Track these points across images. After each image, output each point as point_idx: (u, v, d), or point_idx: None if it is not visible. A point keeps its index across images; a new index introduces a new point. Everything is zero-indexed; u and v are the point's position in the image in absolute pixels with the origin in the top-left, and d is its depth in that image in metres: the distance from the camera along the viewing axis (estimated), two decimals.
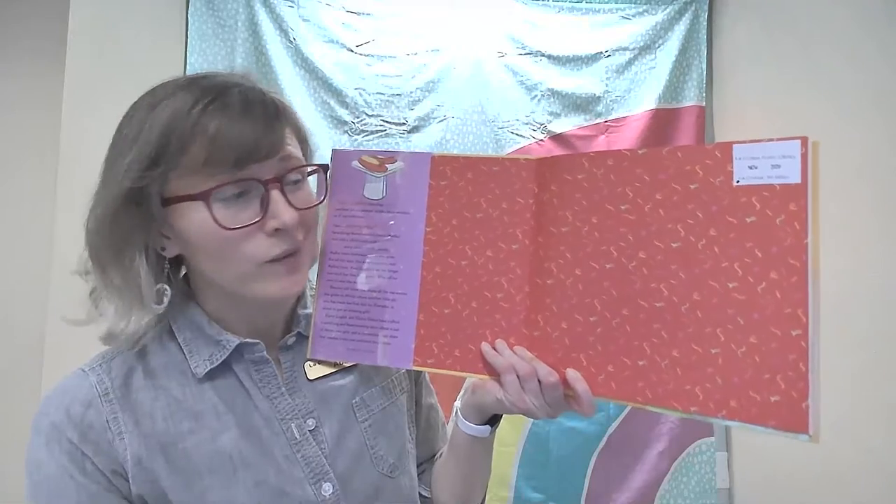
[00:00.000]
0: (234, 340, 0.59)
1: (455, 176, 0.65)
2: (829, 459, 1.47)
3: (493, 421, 0.68)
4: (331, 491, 0.60)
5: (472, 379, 0.66)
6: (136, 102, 0.56)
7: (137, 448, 0.55)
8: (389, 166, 0.66)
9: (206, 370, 0.59)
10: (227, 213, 0.53)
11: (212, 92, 0.54)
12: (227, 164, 0.53)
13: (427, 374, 0.78)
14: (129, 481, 0.55)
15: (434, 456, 0.80)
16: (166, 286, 0.56)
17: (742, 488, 1.90)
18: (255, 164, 0.54)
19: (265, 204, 0.55)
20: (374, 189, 0.66)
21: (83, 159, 1.59)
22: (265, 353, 0.61)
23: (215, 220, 0.53)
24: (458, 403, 0.70)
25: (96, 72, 1.66)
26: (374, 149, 0.66)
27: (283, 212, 0.55)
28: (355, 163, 0.66)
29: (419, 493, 0.73)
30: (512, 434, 1.81)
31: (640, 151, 0.58)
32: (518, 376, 0.59)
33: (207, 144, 0.52)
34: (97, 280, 0.56)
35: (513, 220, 0.63)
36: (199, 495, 0.56)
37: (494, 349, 0.61)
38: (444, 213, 0.65)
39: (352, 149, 0.67)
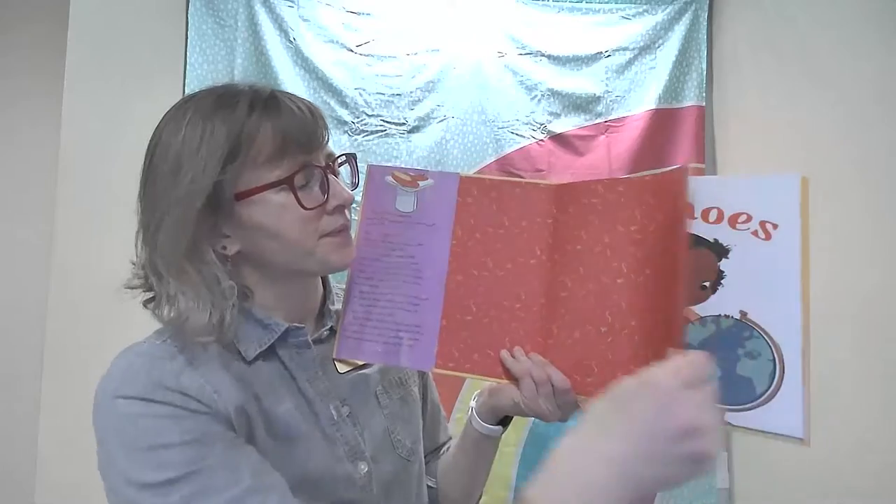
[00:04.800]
0: (283, 325, 0.63)
1: (481, 195, 0.71)
2: (829, 460, 1.47)
3: (505, 422, 0.75)
4: (365, 470, 0.65)
5: (488, 382, 0.71)
6: (174, 119, 0.60)
7: (236, 399, 0.57)
8: (421, 183, 0.72)
9: (256, 352, 0.62)
10: (302, 196, 0.60)
11: (260, 96, 0.60)
12: (295, 153, 0.60)
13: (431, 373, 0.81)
14: (235, 430, 0.56)
15: (437, 449, 0.85)
16: (233, 282, 0.60)
17: (742, 488, 1.90)
18: (315, 152, 0.62)
19: (326, 186, 0.62)
20: (406, 202, 0.71)
21: (83, 159, 1.61)
22: (308, 337, 0.65)
23: (299, 201, 0.59)
24: (473, 403, 0.76)
25: (96, 72, 1.66)
26: (406, 166, 0.72)
27: (342, 191, 0.64)
28: (388, 178, 0.72)
29: (426, 483, 0.78)
30: (512, 434, 1.80)
31: (646, 176, 0.64)
32: (534, 381, 0.63)
33: (276, 138, 0.59)
34: (172, 284, 0.58)
35: (532, 237, 0.68)
36: (274, 446, 0.59)
37: (512, 356, 0.65)
38: (469, 227, 0.70)
39: (386, 165, 0.74)
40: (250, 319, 0.62)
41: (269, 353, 0.63)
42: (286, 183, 0.59)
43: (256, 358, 0.62)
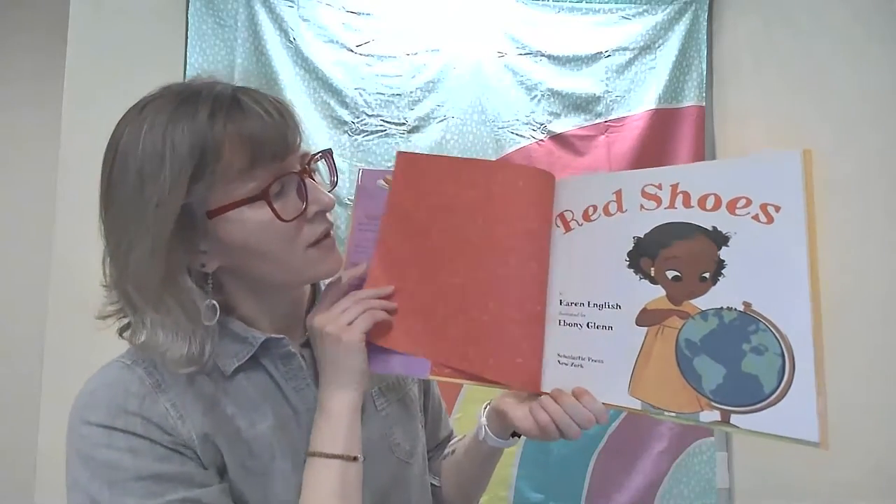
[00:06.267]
0: (260, 337, 0.61)
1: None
2: (830, 459, 1.47)
3: (517, 433, 0.72)
4: None
5: (497, 394, 0.68)
6: (130, 126, 0.55)
7: (201, 425, 0.56)
8: None
9: (234, 367, 0.60)
10: (279, 207, 0.56)
11: (222, 100, 0.55)
12: (268, 162, 0.55)
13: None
14: (199, 457, 0.56)
15: (439, 444, 0.84)
16: (214, 301, 0.57)
17: (742, 488, 1.89)
18: (288, 157, 0.58)
19: (303, 192, 0.58)
20: None
21: (83, 159, 1.59)
22: (291, 347, 0.62)
23: (277, 216, 0.55)
24: (484, 421, 0.73)
25: (96, 72, 1.66)
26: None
27: (321, 195, 0.60)
28: (380, 182, 0.69)
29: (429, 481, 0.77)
30: None
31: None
32: (559, 428, 0.61)
33: (244, 147, 0.54)
34: (150, 315, 0.55)
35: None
36: (249, 474, 0.58)
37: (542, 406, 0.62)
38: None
39: (378, 169, 0.71)
40: (228, 334, 0.60)
41: (253, 364, 0.61)
42: (262, 197, 0.55)
43: (237, 371, 0.60)
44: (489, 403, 0.73)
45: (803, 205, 0.52)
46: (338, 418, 0.59)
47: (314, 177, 0.62)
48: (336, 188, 0.66)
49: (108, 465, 0.53)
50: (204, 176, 0.53)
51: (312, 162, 0.61)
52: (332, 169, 0.65)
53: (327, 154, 0.64)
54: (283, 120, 0.57)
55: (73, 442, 0.55)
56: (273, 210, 0.55)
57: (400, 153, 0.69)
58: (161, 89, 0.57)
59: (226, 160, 0.53)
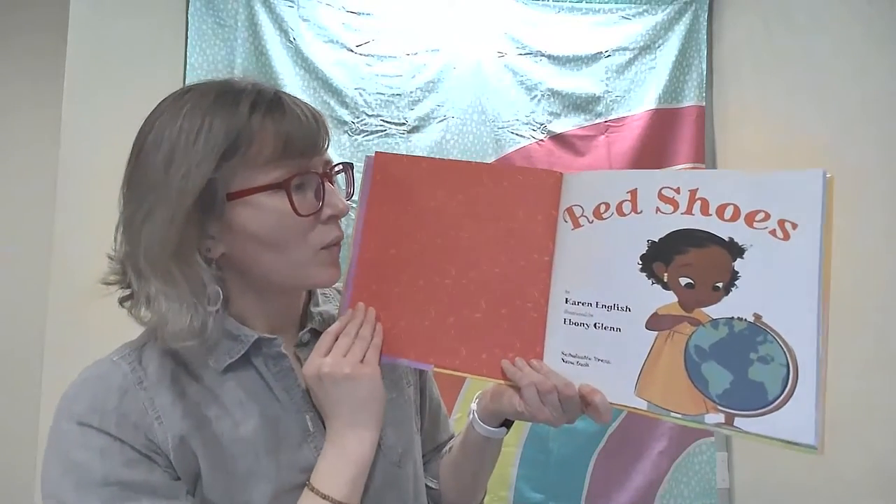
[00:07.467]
0: (253, 335, 0.61)
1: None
2: (829, 459, 1.47)
3: (508, 423, 0.72)
4: None
5: (489, 384, 0.68)
6: (170, 107, 0.58)
7: (178, 428, 0.56)
8: None
9: (226, 364, 0.60)
10: (296, 201, 0.58)
11: (265, 95, 0.58)
12: (294, 157, 0.58)
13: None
14: (171, 463, 0.56)
15: (437, 447, 0.83)
16: (218, 287, 0.58)
17: (742, 488, 1.90)
18: (314, 158, 0.60)
19: (321, 194, 0.60)
20: None
21: (83, 159, 1.60)
22: (282, 348, 0.62)
23: (293, 206, 0.57)
24: (474, 406, 0.73)
25: (96, 72, 1.66)
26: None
27: (337, 201, 0.61)
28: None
29: (426, 484, 0.76)
30: (512, 434, 1.78)
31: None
32: (538, 391, 0.61)
33: (277, 140, 0.57)
34: (154, 284, 0.55)
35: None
36: (227, 478, 0.57)
37: (513, 363, 0.63)
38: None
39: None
40: (222, 331, 0.60)
41: (244, 363, 0.61)
42: (282, 186, 0.57)
43: (228, 370, 0.60)
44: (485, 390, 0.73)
45: (821, 224, 0.53)
46: (352, 461, 0.59)
47: (334, 184, 0.63)
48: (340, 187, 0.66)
49: (79, 467, 0.53)
50: (233, 157, 0.55)
51: (334, 170, 0.63)
52: (351, 181, 0.67)
53: (349, 167, 0.67)
54: (316, 124, 0.60)
55: (53, 438, 0.55)
56: (291, 201, 0.57)
57: (378, 153, 0.69)
58: (206, 81, 0.61)
59: (257, 147, 0.56)
